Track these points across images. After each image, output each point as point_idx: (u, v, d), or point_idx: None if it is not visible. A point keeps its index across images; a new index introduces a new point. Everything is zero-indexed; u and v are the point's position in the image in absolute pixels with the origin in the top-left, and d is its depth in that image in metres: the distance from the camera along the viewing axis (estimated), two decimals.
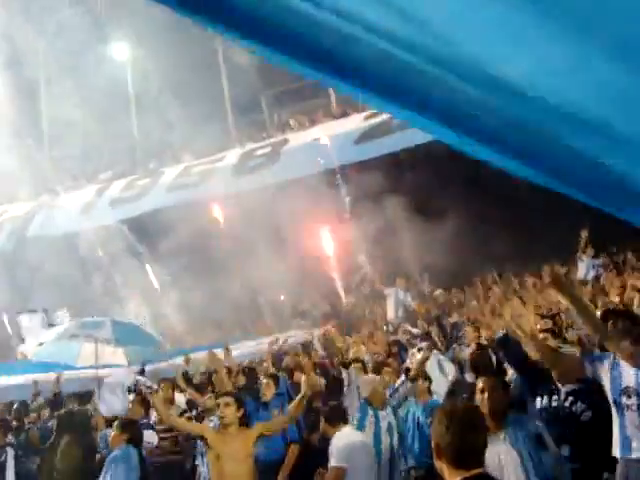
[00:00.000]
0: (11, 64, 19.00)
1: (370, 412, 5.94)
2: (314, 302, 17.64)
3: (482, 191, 14.73)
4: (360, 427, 5.84)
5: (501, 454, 4.04)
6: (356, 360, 7.76)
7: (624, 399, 4.40)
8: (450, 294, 14.75)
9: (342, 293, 17.27)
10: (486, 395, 4.25)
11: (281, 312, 17.36)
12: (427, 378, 6.77)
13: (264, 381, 7.10)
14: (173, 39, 20.04)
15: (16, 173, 20.11)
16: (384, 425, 5.91)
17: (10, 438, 7.99)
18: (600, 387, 4.54)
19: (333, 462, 5.25)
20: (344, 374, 7.49)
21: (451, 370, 8.00)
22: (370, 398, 6.03)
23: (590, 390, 4.79)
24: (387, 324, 13.84)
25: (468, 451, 2.35)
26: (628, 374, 4.41)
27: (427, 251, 14.36)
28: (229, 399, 5.53)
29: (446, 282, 15.48)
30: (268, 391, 7.11)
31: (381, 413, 5.97)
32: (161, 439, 7.39)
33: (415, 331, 10.83)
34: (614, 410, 4.48)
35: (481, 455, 2.41)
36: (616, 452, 4.44)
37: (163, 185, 19.80)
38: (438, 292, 14.47)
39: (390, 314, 14.29)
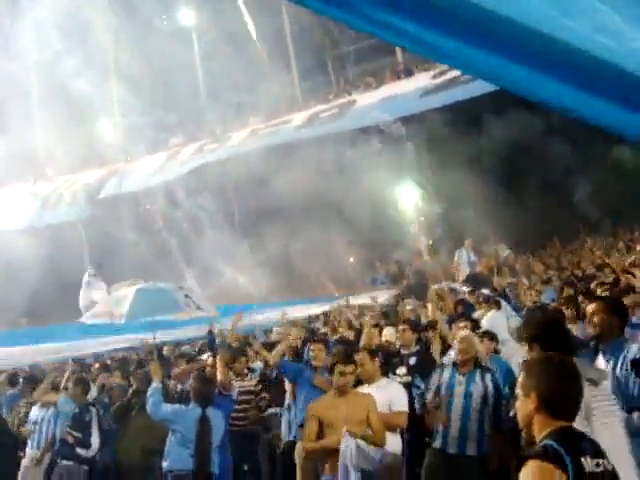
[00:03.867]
0: (80, 32, 19.33)
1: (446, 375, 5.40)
2: (383, 264, 17.51)
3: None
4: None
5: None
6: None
7: None
8: (518, 257, 14.48)
9: (410, 254, 17.08)
10: (595, 318, 4.05)
11: (349, 274, 17.30)
12: (493, 338, 6.58)
13: (314, 346, 6.41)
14: (238, 3, 19.97)
15: (86, 141, 20.60)
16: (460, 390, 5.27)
17: (90, 397, 8.17)
18: None
19: None
20: None
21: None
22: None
23: None
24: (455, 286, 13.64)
25: (568, 400, 2.35)
26: None
27: (496, 211, 14.07)
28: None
29: (513, 246, 15.19)
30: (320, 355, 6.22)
31: (459, 378, 5.34)
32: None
33: (484, 291, 10.57)
34: None
35: (579, 405, 2.39)
36: None
37: (231, 148, 19.91)
38: (507, 252, 14.19)
39: (460, 275, 14.13)
